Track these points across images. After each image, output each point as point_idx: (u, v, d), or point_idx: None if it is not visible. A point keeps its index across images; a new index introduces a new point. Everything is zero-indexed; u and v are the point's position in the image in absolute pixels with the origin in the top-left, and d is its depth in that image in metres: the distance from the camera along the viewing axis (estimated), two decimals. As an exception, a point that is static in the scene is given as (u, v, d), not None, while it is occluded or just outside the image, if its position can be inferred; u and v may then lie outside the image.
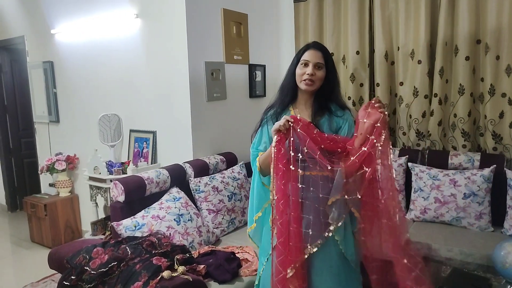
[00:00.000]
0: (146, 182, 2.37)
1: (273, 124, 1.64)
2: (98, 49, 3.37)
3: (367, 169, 1.44)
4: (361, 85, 3.28)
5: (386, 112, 1.46)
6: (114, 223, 2.16)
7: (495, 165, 2.61)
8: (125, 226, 2.15)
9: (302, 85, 1.63)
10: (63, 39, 3.65)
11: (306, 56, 1.61)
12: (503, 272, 1.70)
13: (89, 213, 3.43)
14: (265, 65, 3.52)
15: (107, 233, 2.63)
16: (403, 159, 2.90)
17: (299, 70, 1.63)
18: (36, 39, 3.93)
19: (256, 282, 1.74)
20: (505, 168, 2.60)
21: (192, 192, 2.61)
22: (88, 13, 3.35)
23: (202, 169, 2.75)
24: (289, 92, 1.68)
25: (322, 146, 1.50)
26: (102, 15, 3.23)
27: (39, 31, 3.83)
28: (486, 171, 2.58)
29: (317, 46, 1.65)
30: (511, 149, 2.74)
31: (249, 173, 2.87)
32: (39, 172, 3.77)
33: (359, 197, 1.46)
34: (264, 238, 1.70)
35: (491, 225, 2.56)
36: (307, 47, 1.64)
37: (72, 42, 3.59)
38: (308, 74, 1.59)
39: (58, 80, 3.81)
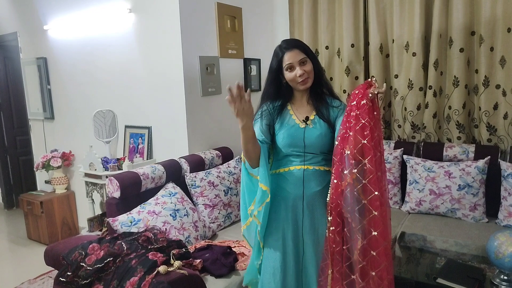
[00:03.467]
0: (141, 177, 2.37)
1: (267, 120, 1.66)
2: (92, 44, 3.35)
3: (364, 121, 1.39)
4: (356, 78, 3.28)
5: (373, 91, 1.41)
6: (110, 219, 2.16)
7: (489, 157, 2.62)
8: (121, 222, 2.15)
9: (299, 87, 1.62)
10: (56, 35, 3.63)
11: (287, 59, 1.59)
12: (496, 262, 1.71)
13: (86, 209, 3.43)
14: (260, 59, 3.51)
15: (104, 229, 2.63)
16: (398, 152, 2.91)
17: (288, 75, 1.61)
18: (29, 36, 3.90)
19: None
20: (499, 159, 2.62)
21: (188, 187, 2.61)
22: (81, 8, 3.32)
23: (197, 164, 2.74)
24: (281, 95, 1.67)
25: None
26: (95, 10, 3.20)
27: (32, 27, 3.80)
28: (481, 163, 2.59)
29: (291, 44, 1.61)
30: (505, 140, 2.76)
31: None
32: (34, 169, 3.75)
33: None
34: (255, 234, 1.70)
35: (485, 216, 2.58)
36: (283, 51, 1.61)
37: (65, 38, 3.56)
38: (299, 75, 1.58)
39: (52, 77, 3.78)
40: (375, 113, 1.42)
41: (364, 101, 1.41)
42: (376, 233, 1.39)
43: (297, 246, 1.64)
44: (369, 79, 1.48)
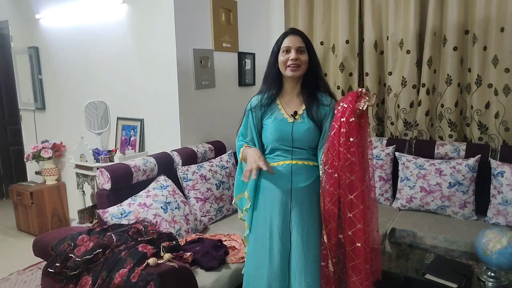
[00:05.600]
0: (132, 170, 2.36)
1: (258, 114, 1.67)
2: (85, 34, 3.30)
3: (353, 140, 1.48)
4: (351, 74, 3.28)
5: (362, 107, 1.48)
6: (100, 211, 2.14)
7: (480, 155, 2.64)
8: (111, 214, 2.14)
9: (287, 72, 1.61)
10: (48, 24, 3.57)
11: (286, 42, 1.60)
12: (484, 258, 1.73)
13: (76, 201, 3.40)
14: (254, 53, 3.49)
15: (95, 221, 2.61)
16: (390, 149, 2.92)
17: (281, 57, 1.61)
18: (20, 24, 3.84)
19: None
20: (489, 158, 2.64)
21: (180, 180, 2.60)
22: (74, -2, 3.27)
23: (190, 157, 2.73)
24: (274, 82, 1.67)
25: None
26: (88, 0, 3.16)
27: (24, 15, 3.74)
28: (471, 161, 2.61)
29: (295, 31, 1.65)
30: (496, 139, 2.78)
31: (238, 162, 2.86)
32: (25, 159, 3.71)
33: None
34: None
35: (475, 214, 2.61)
36: (285, 34, 1.64)
37: (57, 27, 3.52)
38: (292, 59, 1.58)
39: (43, 66, 3.73)
40: (362, 129, 1.52)
41: (353, 119, 1.48)
42: (359, 244, 1.50)
43: (284, 240, 1.63)
44: (360, 89, 1.53)
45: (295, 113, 1.62)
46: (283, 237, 1.63)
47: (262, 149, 1.72)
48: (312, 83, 1.66)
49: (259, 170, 1.61)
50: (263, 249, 1.65)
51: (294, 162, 1.62)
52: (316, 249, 1.62)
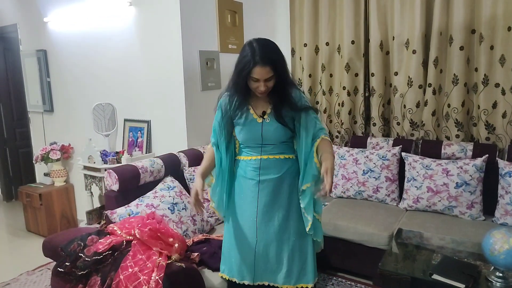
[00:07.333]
0: (140, 171, 2.38)
1: (229, 114, 1.71)
2: (92, 37, 3.34)
3: None
4: (356, 75, 3.28)
5: None
6: (108, 212, 2.17)
7: (487, 155, 2.63)
8: (119, 215, 2.16)
9: (256, 93, 1.65)
10: (56, 27, 3.62)
11: (255, 74, 1.54)
12: (491, 259, 1.72)
13: (84, 202, 3.44)
14: (260, 54, 3.50)
15: (103, 222, 2.64)
16: (397, 149, 2.92)
17: (251, 84, 1.59)
18: (29, 28, 3.89)
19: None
20: (497, 158, 2.63)
21: (187, 181, 2.62)
22: (81, 1, 3.31)
23: (196, 158, 2.75)
24: (242, 91, 1.65)
25: None
26: (95, 3, 3.20)
27: (32, 19, 3.79)
28: (479, 161, 2.60)
29: (265, 59, 1.53)
30: (503, 139, 2.77)
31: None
32: (33, 161, 3.76)
33: None
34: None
35: (482, 214, 2.59)
36: (254, 62, 1.53)
37: (65, 31, 3.56)
38: (260, 90, 1.59)
39: (51, 69, 3.78)
40: None
41: None
42: None
43: (251, 231, 1.71)
44: None
45: (264, 113, 1.67)
46: (250, 227, 1.72)
47: (235, 146, 1.78)
48: (281, 92, 1.65)
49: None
50: (231, 236, 1.77)
51: (265, 157, 1.68)
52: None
